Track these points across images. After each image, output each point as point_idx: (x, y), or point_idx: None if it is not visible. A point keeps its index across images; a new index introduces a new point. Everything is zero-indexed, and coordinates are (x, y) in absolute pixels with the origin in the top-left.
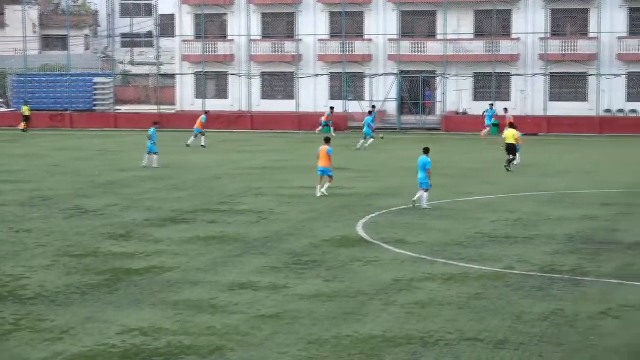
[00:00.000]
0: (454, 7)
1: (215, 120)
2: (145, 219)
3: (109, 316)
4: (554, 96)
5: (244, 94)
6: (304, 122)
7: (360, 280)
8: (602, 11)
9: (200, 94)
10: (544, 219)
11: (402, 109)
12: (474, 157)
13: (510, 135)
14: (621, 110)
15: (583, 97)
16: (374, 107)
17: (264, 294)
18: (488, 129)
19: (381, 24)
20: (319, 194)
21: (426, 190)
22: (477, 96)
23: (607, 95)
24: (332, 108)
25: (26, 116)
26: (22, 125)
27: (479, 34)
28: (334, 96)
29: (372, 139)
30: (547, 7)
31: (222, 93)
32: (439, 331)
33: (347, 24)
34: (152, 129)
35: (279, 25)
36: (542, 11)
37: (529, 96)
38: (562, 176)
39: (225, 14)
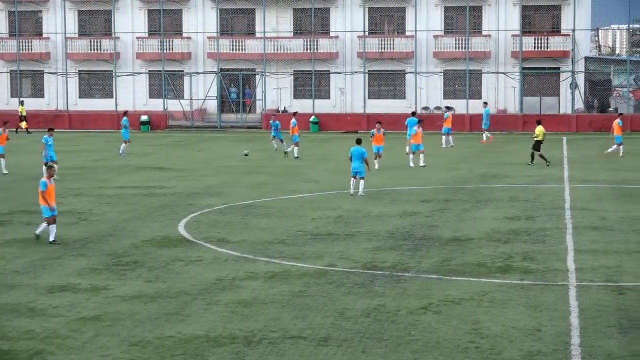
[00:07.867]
0: (272, 6)
1: (32, 120)
2: None
3: None
4: (373, 94)
5: (61, 93)
6: None
7: (182, 281)
8: (419, 10)
9: (16, 93)
10: (365, 216)
11: (223, 107)
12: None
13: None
14: (439, 108)
15: (401, 95)
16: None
17: (84, 296)
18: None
19: (200, 22)
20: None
21: (362, 179)
22: (297, 94)
23: (425, 92)
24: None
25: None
26: (24, 125)
27: (298, 32)
28: (153, 95)
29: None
30: (365, 6)
31: (38, 92)
32: (263, 330)
33: (165, 22)
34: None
35: (96, 23)
36: (360, 10)
37: (348, 94)
38: (381, 173)
39: (40, 11)
